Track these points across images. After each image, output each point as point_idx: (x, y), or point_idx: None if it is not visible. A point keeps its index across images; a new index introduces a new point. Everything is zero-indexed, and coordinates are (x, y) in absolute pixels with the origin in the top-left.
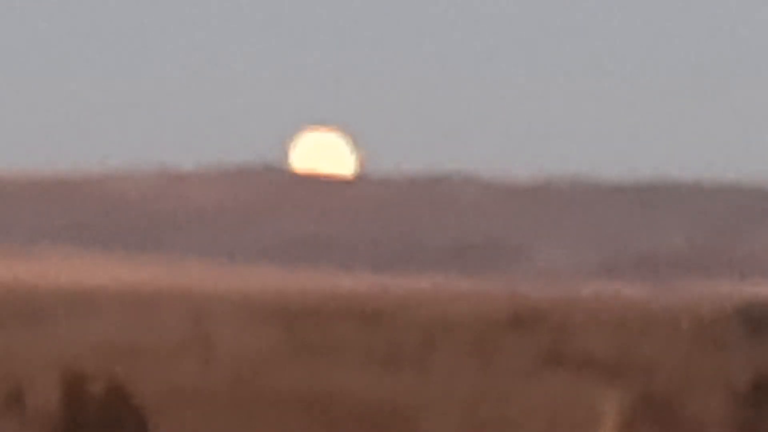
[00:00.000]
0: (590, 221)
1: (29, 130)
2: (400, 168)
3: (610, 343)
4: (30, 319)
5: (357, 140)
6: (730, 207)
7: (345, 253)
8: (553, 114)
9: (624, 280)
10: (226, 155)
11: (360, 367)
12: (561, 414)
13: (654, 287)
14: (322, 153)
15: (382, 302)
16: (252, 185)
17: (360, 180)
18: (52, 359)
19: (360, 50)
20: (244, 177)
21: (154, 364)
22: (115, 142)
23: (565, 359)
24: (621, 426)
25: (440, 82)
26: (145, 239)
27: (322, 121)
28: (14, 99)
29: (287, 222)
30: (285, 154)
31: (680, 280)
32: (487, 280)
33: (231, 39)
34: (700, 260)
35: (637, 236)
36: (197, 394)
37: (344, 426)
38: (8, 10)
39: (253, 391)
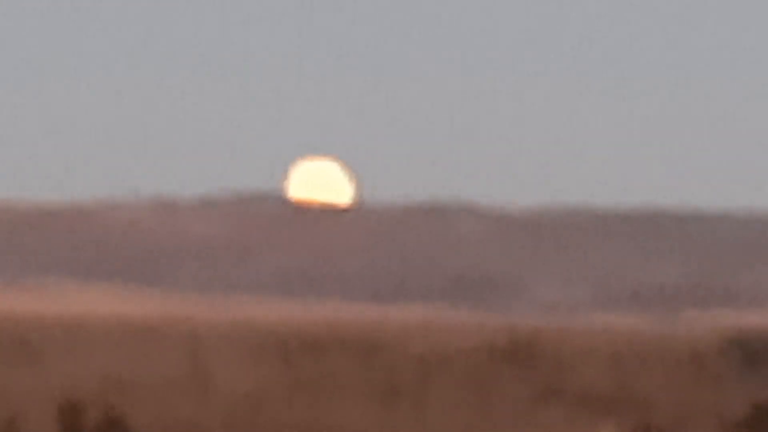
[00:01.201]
0: (586, 253)
1: (26, 161)
2: (398, 197)
3: (606, 376)
4: (26, 351)
5: (354, 169)
6: (725, 238)
7: (341, 284)
8: (550, 144)
9: (620, 313)
10: (223, 185)
11: (357, 399)
12: None
13: (650, 319)
14: (319, 182)
15: (378, 336)
16: (249, 215)
17: (357, 209)
18: (49, 391)
19: (357, 79)
20: (241, 207)
21: (151, 397)
22: (111, 173)
23: (562, 392)
24: None
25: (438, 111)
26: (141, 271)
27: (319, 150)
28: (9, 129)
29: (284, 253)
30: (282, 184)
31: (676, 312)
32: (484, 313)
33: (227, 69)
34: (696, 292)
35: (634, 268)
36: (194, 427)
37: None
38: (7, 37)
39: (250, 423)
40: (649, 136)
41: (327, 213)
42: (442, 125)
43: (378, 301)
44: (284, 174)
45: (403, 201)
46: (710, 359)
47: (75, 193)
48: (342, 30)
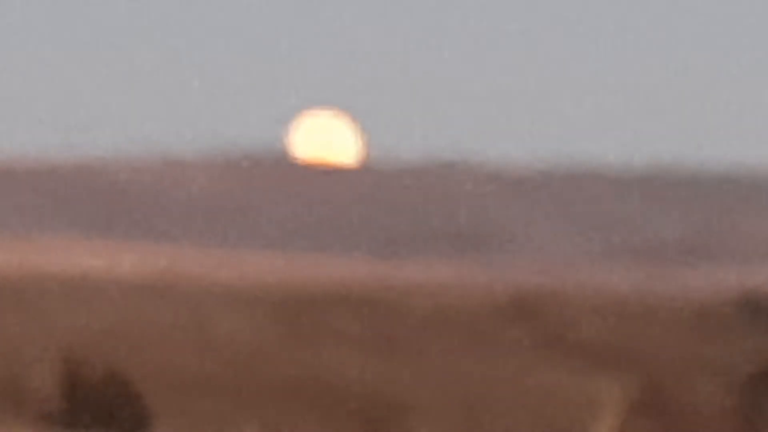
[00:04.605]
0: (589, 208)
1: (25, 116)
2: (403, 153)
3: (609, 332)
4: (27, 306)
5: (360, 124)
6: (731, 193)
7: (342, 240)
8: (552, 101)
9: (624, 268)
10: (222, 140)
11: (355, 355)
12: (559, 403)
13: (654, 275)
14: (323, 138)
15: (377, 290)
16: (249, 172)
17: (361, 167)
18: (50, 346)
19: (363, 30)
20: (242, 163)
21: (152, 351)
22: (109, 128)
23: (563, 348)
24: (620, 415)
25: (447, 68)
26: (141, 226)
27: (323, 104)
28: (9, 83)
29: (284, 210)
30: (284, 139)
31: (681, 268)
32: (484, 268)
33: (225, 19)
34: (701, 247)
35: (638, 223)
36: (195, 380)
37: (339, 414)
38: None
39: (250, 377)
40: (652, 91)
41: (330, 169)
42: (450, 82)
43: (378, 258)
44: (287, 129)
45: (407, 159)
46: (715, 316)
47: (74, 148)
48: None
